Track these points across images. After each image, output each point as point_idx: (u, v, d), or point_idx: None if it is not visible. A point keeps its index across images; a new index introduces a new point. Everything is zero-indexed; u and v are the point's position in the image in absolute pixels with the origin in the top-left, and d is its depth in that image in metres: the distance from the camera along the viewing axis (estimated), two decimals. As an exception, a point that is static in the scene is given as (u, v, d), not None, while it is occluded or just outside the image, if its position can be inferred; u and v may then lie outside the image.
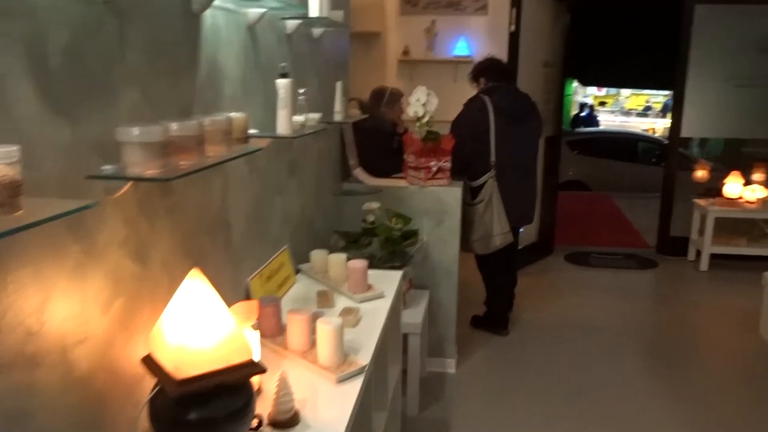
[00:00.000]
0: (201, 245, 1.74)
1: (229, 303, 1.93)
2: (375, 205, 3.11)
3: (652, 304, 4.93)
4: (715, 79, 5.62)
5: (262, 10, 2.04)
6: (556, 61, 5.50)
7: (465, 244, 3.71)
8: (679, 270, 5.60)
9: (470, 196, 3.76)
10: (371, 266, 2.82)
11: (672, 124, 5.84)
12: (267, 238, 2.31)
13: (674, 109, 5.79)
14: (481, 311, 4.19)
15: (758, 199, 5.38)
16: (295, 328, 1.83)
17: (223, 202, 1.88)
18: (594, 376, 3.58)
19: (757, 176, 5.86)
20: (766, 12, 5.48)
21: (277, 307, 1.94)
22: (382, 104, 3.86)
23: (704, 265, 5.47)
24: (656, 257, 5.91)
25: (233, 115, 1.67)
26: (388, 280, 2.54)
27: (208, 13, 1.72)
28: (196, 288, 1.29)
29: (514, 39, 4.79)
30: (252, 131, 1.92)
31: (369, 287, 2.36)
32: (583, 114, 20.12)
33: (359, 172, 3.53)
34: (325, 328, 1.73)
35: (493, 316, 4.13)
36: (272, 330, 1.92)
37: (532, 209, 4.09)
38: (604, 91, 23.75)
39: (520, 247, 4.61)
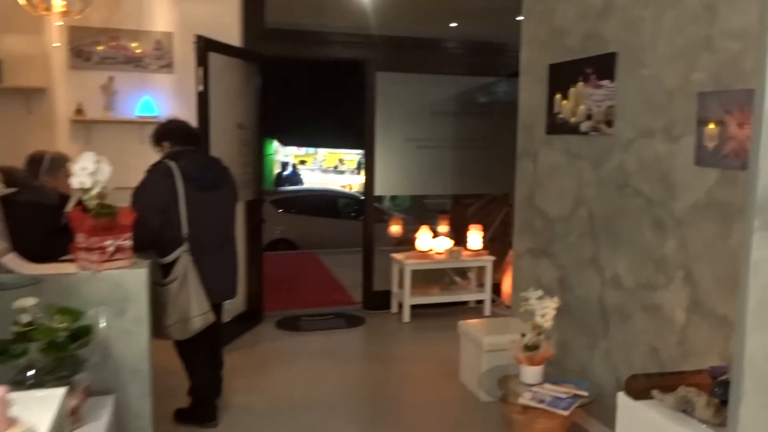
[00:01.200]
0: None
1: None
2: (30, 301, 2.46)
3: (365, 364, 4.93)
4: (400, 140, 6.03)
5: None
6: (251, 122, 5.33)
7: (158, 330, 3.21)
8: (384, 324, 5.75)
9: (161, 274, 3.29)
10: (30, 383, 2.20)
11: (366, 182, 6.08)
12: None
13: (366, 168, 6.05)
14: (186, 402, 3.68)
15: (446, 250, 5.82)
16: None
17: None
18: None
19: (442, 228, 6.39)
20: (437, 81, 6.10)
21: None
22: (41, 172, 3.21)
23: (406, 316, 5.70)
24: (363, 313, 6.01)
25: None
26: (46, 403, 1.95)
27: None
28: None
29: (202, 99, 4.49)
30: None
31: (12, 422, 1.76)
32: (286, 173, 20.67)
33: (11, 259, 2.82)
34: None
35: (200, 406, 3.65)
36: None
37: (235, 282, 3.76)
38: (303, 150, 24.83)
39: (226, 320, 4.24)
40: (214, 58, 4.60)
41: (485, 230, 6.20)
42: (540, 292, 3.50)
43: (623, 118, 3.33)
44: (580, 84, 3.65)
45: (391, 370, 4.67)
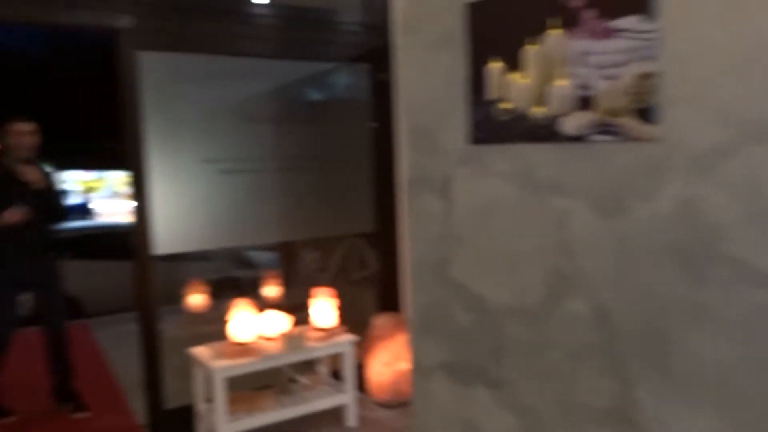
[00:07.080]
0: None
1: None
2: None
3: None
4: (189, 161, 3.73)
5: None
6: None
7: None
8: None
9: None
10: None
11: (138, 230, 3.65)
12: None
13: (137, 206, 3.63)
14: None
15: (281, 335, 3.62)
16: None
17: None
18: None
19: (271, 291, 4.21)
20: (244, 68, 3.88)
21: None
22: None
23: (223, 453, 3.43)
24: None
25: None
26: None
27: None
28: None
29: None
30: None
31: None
32: (80, 202, 17.70)
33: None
34: None
35: None
36: None
37: None
38: (94, 174, 21.25)
39: None
40: None
41: (321, 281, 4.14)
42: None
43: (683, 100, 1.44)
44: (556, 33, 1.71)
45: None
